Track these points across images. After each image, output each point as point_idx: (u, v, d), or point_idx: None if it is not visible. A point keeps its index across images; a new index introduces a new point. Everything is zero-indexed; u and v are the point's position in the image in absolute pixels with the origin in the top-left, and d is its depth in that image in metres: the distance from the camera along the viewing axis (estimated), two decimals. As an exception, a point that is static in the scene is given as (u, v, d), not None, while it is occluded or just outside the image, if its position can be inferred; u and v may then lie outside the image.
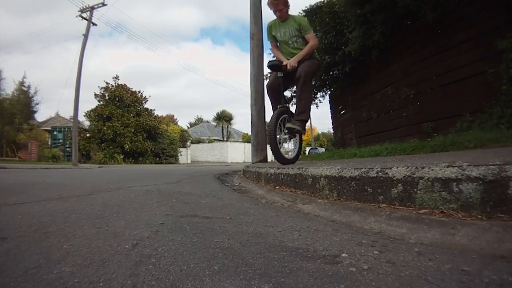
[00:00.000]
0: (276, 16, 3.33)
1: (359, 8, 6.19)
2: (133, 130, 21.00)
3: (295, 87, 3.61)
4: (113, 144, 20.44)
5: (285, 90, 3.59)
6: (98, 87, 22.05)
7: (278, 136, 3.18)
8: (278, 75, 3.28)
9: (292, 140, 3.44)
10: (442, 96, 5.45)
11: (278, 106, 3.31)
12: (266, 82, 4.65)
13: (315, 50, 3.42)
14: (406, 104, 6.41)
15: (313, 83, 3.47)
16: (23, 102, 18.68)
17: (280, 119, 3.23)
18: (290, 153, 3.43)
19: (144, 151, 21.75)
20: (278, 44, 3.51)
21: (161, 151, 23.41)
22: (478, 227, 0.96)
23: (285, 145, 3.45)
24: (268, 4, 3.37)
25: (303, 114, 3.25)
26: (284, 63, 3.22)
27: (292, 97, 7.84)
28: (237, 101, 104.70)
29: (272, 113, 3.34)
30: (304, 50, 3.19)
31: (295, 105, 3.38)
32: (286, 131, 3.29)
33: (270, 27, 3.47)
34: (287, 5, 3.28)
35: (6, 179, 4.21)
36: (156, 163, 22.17)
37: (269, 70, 3.48)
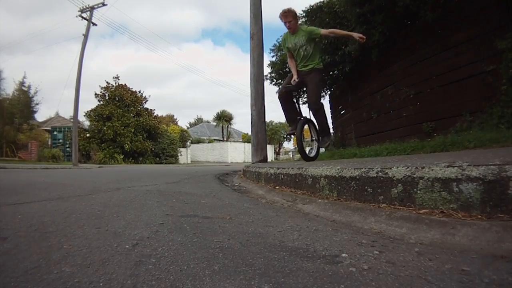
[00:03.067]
0: (286, 27, 3.71)
1: (359, 8, 6.19)
2: (133, 130, 21.00)
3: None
4: (113, 144, 20.43)
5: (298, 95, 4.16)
6: (99, 86, 22.05)
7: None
8: (292, 82, 3.68)
9: (313, 143, 4.12)
10: (442, 96, 5.45)
11: (297, 117, 3.77)
12: (266, 82, 4.74)
13: (322, 56, 3.91)
14: (406, 104, 6.41)
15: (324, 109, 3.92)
16: (23, 102, 18.66)
17: (303, 128, 3.74)
18: (311, 154, 4.05)
19: (144, 151, 21.75)
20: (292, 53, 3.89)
21: (161, 151, 23.41)
22: (478, 227, 0.96)
23: (308, 148, 4.15)
24: (279, 16, 3.73)
25: (328, 136, 3.96)
26: (294, 78, 3.68)
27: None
28: (237, 101, 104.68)
29: (285, 114, 3.91)
30: (342, 31, 3.88)
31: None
32: (313, 136, 3.99)
33: (284, 40, 3.87)
34: (296, 18, 3.70)
35: (6, 179, 4.20)
36: (156, 163, 22.16)
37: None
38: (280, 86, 3.90)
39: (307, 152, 3.91)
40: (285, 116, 3.98)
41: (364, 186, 1.47)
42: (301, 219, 1.46)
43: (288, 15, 3.63)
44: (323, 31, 3.65)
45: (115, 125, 20.31)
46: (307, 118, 3.84)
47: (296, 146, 3.64)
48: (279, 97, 3.86)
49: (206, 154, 33.97)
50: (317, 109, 3.69)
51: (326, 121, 3.95)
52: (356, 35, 3.48)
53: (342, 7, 6.95)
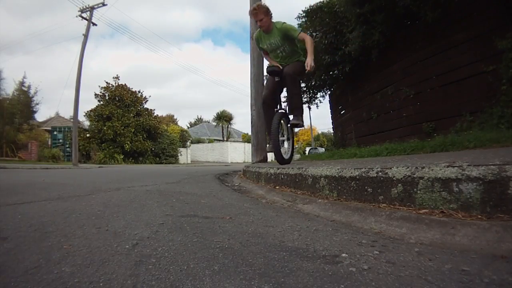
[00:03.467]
0: (259, 26, 3.31)
1: (359, 8, 6.19)
2: (133, 130, 20.99)
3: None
4: (113, 144, 20.43)
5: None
6: (99, 86, 22.05)
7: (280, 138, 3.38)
8: (276, 79, 3.40)
9: (287, 142, 3.64)
10: (442, 96, 5.45)
11: (276, 110, 3.47)
12: (265, 82, 4.64)
13: (302, 52, 3.51)
14: (406, 104, 6.41)
15: (300, 83, 3.53)
16: (23, 102, 18.66)
17: (281, 121, 3.38)
18: (285, 154, 3.55)
19: (144, 151, 21.75)
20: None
21: (161, 151, 23.41)
22: (478, 227, 0.96)
23: (285, 145, 3.64)
24: (249, 14, 3.50)
25: (300, 109, 3.43)
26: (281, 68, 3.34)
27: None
28: (237, 101, 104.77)
29: (264, 115, 3.60)
30: (309, 48, 3.18)
31: (286, 103, 3.57)
32: (285, 134, 3.56)
33: (257, 39, 3.50)
34: (268, 14, 3.22)
35: (6, 179, 4.21)
36: (156, 163, 22.16)
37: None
38: (263, 93, 3.59)
39: (282, 152, 3.40)
40: (267, 126, 3.52)
41: (364, 186, 1.47)
42: (301, 219, 1.46)
43: (258, 13, 3.17)
44: (301, 35, 3.24)
45: (115, 125, 20.32)
46: (284, 112, 3.46)
47: (272, 144, 3.24)
48: (263, 103, 3.51)
49: (206, 154, 33.97)
50: (295, 78, 3.29)
51: (301, 94, 3.66)
52: (310, 60, 3.08)
53: (342, 7, 6.96)
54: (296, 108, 3.39)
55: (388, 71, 7.00)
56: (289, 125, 3.50)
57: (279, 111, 3.44)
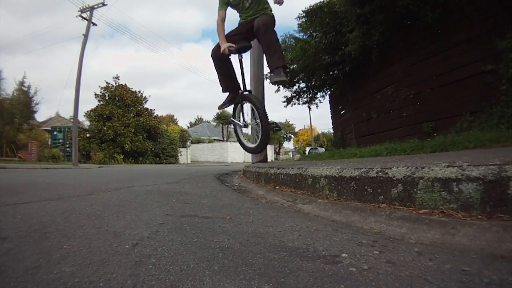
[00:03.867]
0: None
1: (359, 8, 6.19)
2: (133, 130, 20.99)
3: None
4: (113, 144, 20.43)
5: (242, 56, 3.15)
6: (99, 86, 22.06)
7: (249, 122, 3.10)
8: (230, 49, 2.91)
9: (252, 126, 3.19)
10: (442, 96, 5.45)
11: (240, 91, 3.11)
12: (266, 82, 4.43)
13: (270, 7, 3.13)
14: (406, 104, 6.42)
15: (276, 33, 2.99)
16: (23, 102, 18.65)
17: (243, 103, 3.09)
18: (249, 141, 3.23)
19: (144, 151, 21.75)
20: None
21: (161, 151, 23.40)
22: (478, 227, 0.96)
23: (249, 129, 3.26)
24: None
25: (282, 59, 2.94)
26: (227, 46, 2.87)
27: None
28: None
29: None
30: None
31: (265, 56, 3.09)
32: (251, 117, 3.11)
33: None
34: None
35: (6, 179, 4.21)
36: (156, 163, 22.16)
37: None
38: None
39: (244, 141, 3.13)
40: (220, 81, 3.18)
41: (364, 186, 1.47)
42: (301, 219, 1.46)
43: None
44: None
45: (115, 125, 20.32)
46: (247, 95, 3.08)
47: (240, 144, 3.07)
48: (214, 56, 3.02)
49: (206, 154, 33.97)
50: (270, 26, 2.85)
51: (280, 44, 3.05)
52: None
53: (342, 7, 6.96)
54: (278, 58, 2.86)
55: (388, 71, 7.00)
56: (273, 83, 3.00)
57: (244, 93, 3.08)
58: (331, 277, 0.76)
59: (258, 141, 3.01)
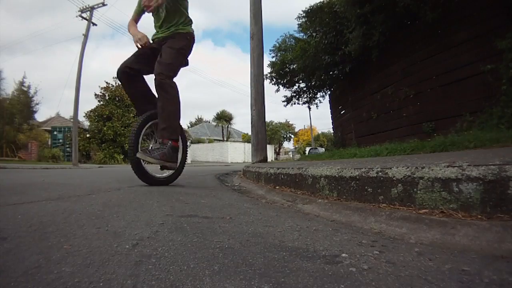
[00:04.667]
0: None
1: (359, 8, 6.20)
2: (133, 130, 20.98)
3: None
4: (113, 144, 20.43)
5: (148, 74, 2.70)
6: (99, 86, 22.07)
7: (151, 146, 2.60)
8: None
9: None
10: (442, 96, 5.45)
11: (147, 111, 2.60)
12: (266, 82, 4.37)
13: (189, 19, 2.72)
14: (406, 104, 6.42)
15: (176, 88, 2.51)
16: (23, 102, 18.67)
17: (147, 126, 2.59)
18: (155, 171, 2.73)
19: (144, 151, 21.73)
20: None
21: (161, 151, 23.38)
22: (478, 227, 0.96)
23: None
24: None
25: (166, 131, 2.44)
26: (142, 43, 2.50)
27: None
28: (237, 102, 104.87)
29: None
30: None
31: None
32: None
33: None
34: None
35: (6, 179, 4.21)
36: (156, 163, 22.13)
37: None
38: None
39: (148, 169, 2.57)
40: (134, 105, 2.77)
41: (364, 186, 1.47)
42: (301, 219, 1.46)
43: None
44: None
45: (115, 125, 20.32)
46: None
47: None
48: (119, 75, 2.60)
49: (206, 154, 33.97)
50: (162, 81, 2.38)
51: (175, 111, 2.48)
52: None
53: (342, 7, 6.97)
54: (163, 129, 2.42)
55: (388, 71, 7.00)
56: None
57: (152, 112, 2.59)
58: (331, 277, 0.76)
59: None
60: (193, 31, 2.79)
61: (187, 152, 2.95)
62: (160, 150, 2.41)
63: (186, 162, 2.97)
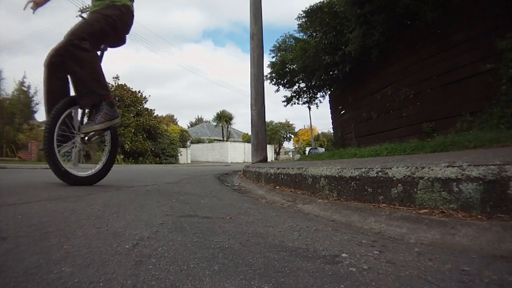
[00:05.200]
0: None
1: (359, 8, 6.20)
2: (133, 130, 20.98)
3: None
4: (113, 144, 20.41)
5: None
6: (98, 87, 22.02)
7: (72, 142, 2.41)
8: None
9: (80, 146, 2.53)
10: (442, 96, 5.46)
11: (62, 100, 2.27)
12: (266, 82, 4.40)
13: None
14: (406, 104, 6.42)
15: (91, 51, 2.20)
16: (23, 102, 18.67)
17: (65, 114, 2.28)
18: (90, 168, 2.53)
19: (144, 151, 21.73)
20: None
21: (161, 151, 23.40)
22: (478, 227, 0.96)
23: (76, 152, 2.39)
24: None
25: (94, 94, 2.19)
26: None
27: None
28: (237, 102, 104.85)
29: None
30: None
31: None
32: (82, 135, 2.41)
33: None
34: None
35: (6, 179, 4.21)
36: (156, 163, 22.16)
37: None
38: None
39: (63, 165, 2.36)
40: (45, 98, 2.33)
41: (364, 186, 1.47)
42: (301, 219, 1.46)
43: None
44: None
45: (115, 125, 20.30)
46: (73, 98, 2.29)
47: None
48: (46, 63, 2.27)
49: (206, 154, 33.98)
50: (72, 42, 2.10)
51: (93, 72, 2.20)
52: None
53: (342, 7, 6.97)
54: (84, 95, 2.18)
55: (388, 71, 7.00)
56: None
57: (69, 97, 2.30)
58: (331, 277, 0.76)
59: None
60: (132, 6, 2.48)
61: (117, 148, 2.66)
62: (99, 113, 2.23)
63: (114, 160, 2.72)
